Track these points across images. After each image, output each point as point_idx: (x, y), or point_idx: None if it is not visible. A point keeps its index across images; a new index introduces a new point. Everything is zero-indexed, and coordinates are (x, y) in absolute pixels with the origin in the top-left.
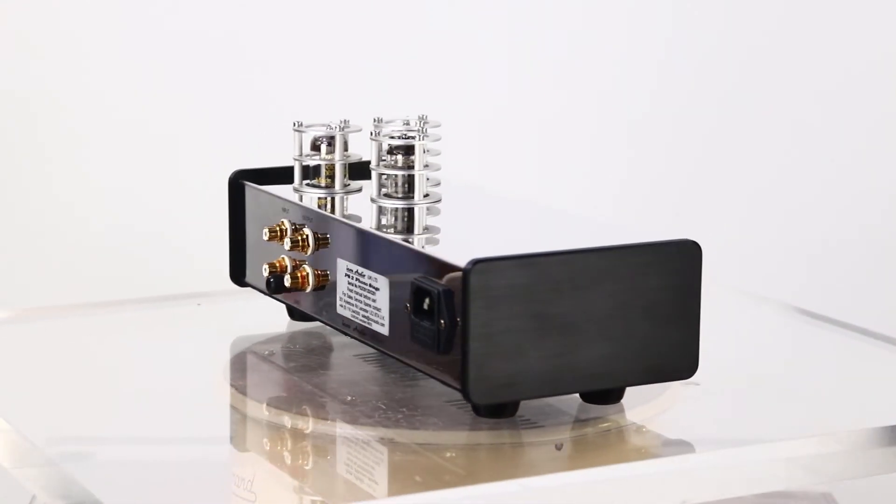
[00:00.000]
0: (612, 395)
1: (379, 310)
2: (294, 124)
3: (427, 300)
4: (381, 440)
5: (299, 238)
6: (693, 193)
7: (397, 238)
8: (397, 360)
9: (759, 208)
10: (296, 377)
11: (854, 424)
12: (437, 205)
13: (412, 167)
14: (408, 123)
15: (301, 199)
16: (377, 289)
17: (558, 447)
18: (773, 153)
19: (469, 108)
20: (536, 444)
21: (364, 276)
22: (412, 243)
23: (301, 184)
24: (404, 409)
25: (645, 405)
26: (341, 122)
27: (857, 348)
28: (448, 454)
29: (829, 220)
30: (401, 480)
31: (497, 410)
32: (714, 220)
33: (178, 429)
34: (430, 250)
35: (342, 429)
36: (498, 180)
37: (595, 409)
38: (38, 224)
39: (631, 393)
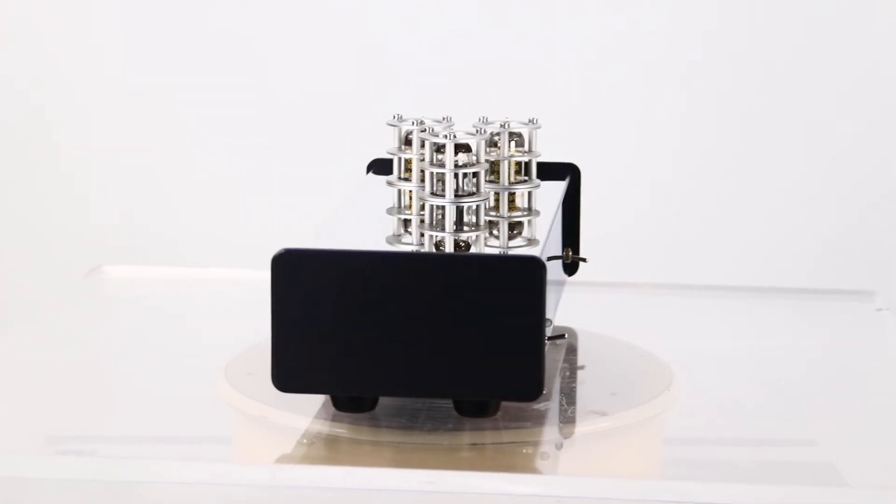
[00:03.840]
0: (488, 408)
1: None
2: (393, 117)
3: None
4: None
5: None
6: None
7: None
8: None
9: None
10: None
11: None
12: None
13: (461, 166)
14: (504, 125)
15: (399, 193)
16: None
17: (558, 447)
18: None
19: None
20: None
21: None
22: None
23: (396, 177)
24: None
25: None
26: (444, 118)
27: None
28: (304, 440)
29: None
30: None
31: (356, 405)
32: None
33: (179, 425)
34: (321, 242)
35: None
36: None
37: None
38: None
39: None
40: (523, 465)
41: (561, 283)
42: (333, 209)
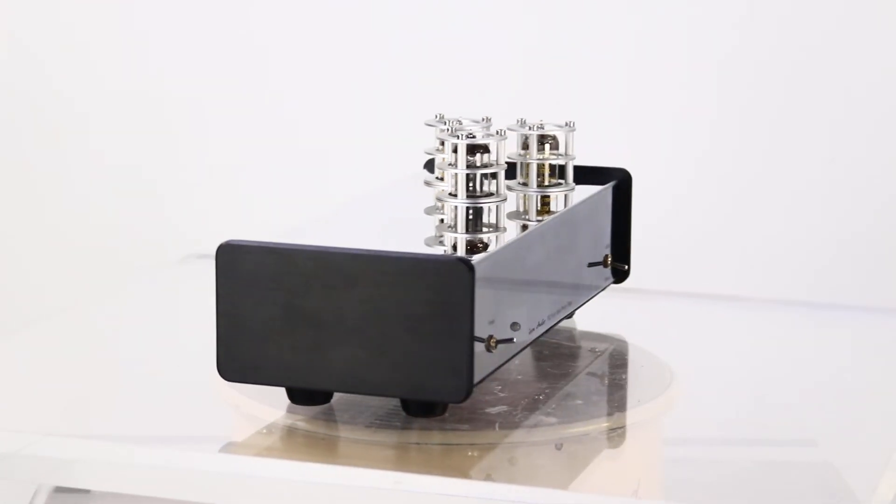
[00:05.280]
0: (434, 409)
1: None
2: (435, 117)
3: None
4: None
5: None
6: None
7: None
8: None
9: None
10: None
11: None
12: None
13: (478, 166)
14: (541, 127)
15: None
16: None
17: (558, 447)
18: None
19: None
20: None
21: None
22: None
23: (435, 177)
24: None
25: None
26: (483, 118)
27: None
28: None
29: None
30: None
31: (309, 398)
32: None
33: (178, 425)
34: (285, 236)
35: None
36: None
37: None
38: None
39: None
40: (466, 467)
41: (579, 288)
42: (335, 207)
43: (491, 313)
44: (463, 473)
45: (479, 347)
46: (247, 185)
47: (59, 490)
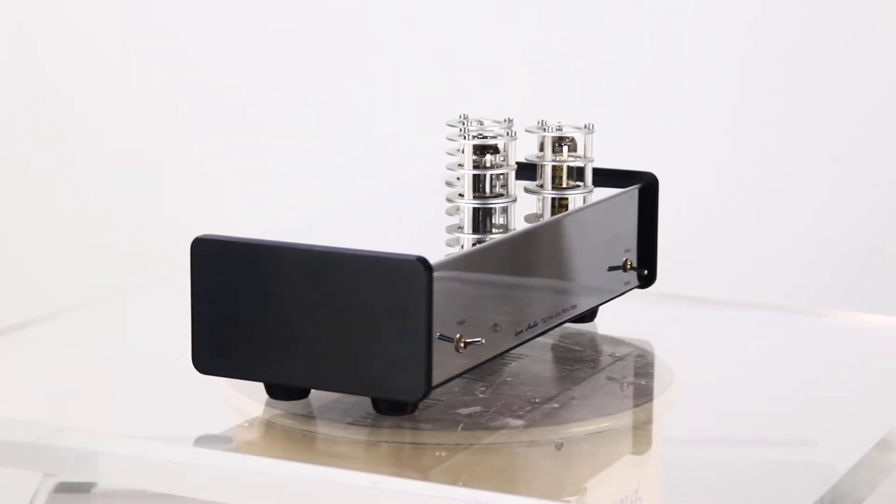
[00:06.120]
0: (405, 407)
1: None
2: (459, 117)
3: None
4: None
5: None
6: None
7: None
8: None
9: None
10: None
11: None
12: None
13: (488, 167)
14: (559, 129)
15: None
16: None
17: (558, 447)
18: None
19: None
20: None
21: None
22: None
23: (455, 177)
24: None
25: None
26: (505, 119)
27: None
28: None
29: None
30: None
31: (286, 393)
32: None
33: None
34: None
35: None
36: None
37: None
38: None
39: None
40: (428, 466)
41: (590, 291)
42: (335, 206)
43: (460, 313)
44: (423, 473)
45: (445, 347)
46: (250, 187)
47: (60, 489)
